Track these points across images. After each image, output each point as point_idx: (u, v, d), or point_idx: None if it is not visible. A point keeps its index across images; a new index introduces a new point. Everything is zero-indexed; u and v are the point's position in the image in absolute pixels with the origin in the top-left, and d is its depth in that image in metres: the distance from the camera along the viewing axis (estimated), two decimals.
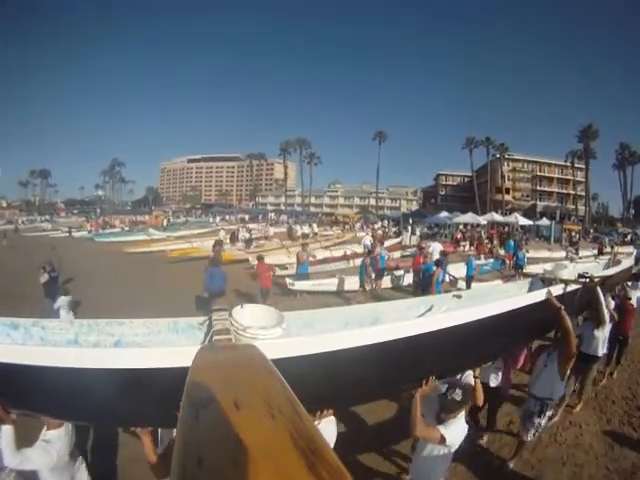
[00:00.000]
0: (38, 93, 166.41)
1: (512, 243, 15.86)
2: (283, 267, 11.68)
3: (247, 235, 20.19)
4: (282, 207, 60.51)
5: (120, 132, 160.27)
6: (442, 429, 2.23)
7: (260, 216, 48.39)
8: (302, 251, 10.79)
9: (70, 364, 1.38)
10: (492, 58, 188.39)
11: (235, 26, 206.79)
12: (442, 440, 2.21)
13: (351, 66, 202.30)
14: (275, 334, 1.73)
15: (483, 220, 29.45)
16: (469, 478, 3.28)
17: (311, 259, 11.67)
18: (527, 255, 13.43)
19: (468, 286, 9.43)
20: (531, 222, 30.57)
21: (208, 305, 6.97)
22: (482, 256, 14.77)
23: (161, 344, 2.04)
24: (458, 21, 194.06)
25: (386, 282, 10.77)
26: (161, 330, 2.12)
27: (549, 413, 3.40)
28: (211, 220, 42.08)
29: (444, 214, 32.33)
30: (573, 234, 28.18)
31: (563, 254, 16.83)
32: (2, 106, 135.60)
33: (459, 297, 3.18)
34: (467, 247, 19.69)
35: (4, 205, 61.84)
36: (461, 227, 29.02)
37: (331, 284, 10.08)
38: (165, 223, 34.15)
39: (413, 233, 24.58)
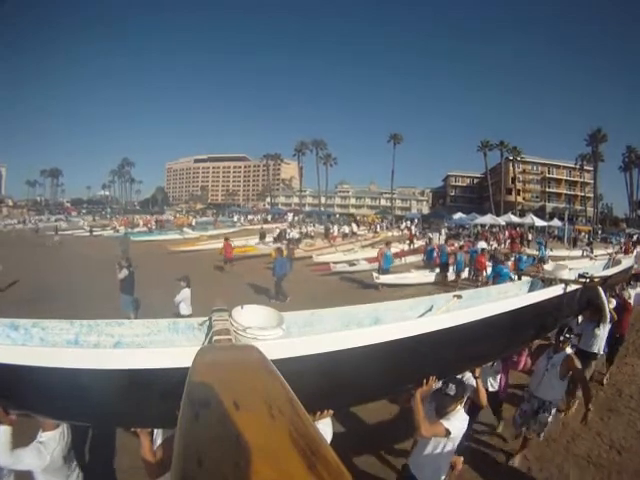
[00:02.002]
0: (40, 94, 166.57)
1: (543, 242, 18.36)
2: (352, 263, 13.14)
3: (296, 235, 21.46)
4: (293, 207, 61.01)
5: (125, 132, 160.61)
6: (445, 423, 2.26)
7: (288, 215, 48.94)
8: (385, 247, 12.16)
9: (70, 365, 1.38)
10: (498, 59, 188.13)
11: (238, 26, 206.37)
12: (447, 433, 2.24)
13: (354, 65, 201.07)
14: (275, 334, 1.73)
15: (502, 221, 30.52)
16: (471, 478, 3.29)
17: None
18: (548, 253, 16.19)
19: (519, 278, 10.13)
20: (546, 223, 31.72)
21: (278, 287, 9.53)
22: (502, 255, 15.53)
23: (161, 345, 2.04)
24: (465, 24, 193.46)
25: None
26: (161, 330, 2.12)
27: (554, 411, 3.45)
28: (235, 219, 42.92)
29: (459, 215, 33.72)
30: (582, 234, 30.93)
31: (579, 253, 18.62)
32: (4, 107, 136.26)
33: (459, 297, 3.18)
34: (494, 246, 20.49)
35: (10, 204, 61.79)
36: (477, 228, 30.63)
37: (409, 278, 11.75)
38: (194, 222, 35.28)
39: (440, 233, 25.91)
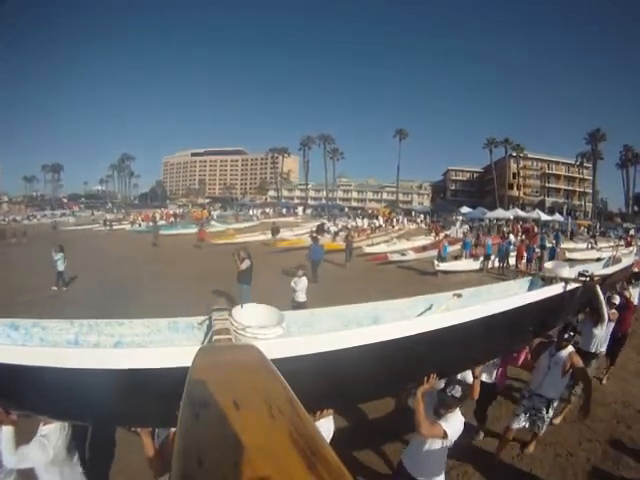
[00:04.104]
0: (40, 94, 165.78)
1: (560, 235, 20.22)
2: (402, 253, 14.79)
3: (335, 228, 22.64)
4: (296, 200, 62.01)
5: (123, 128, 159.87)
6: (444, 424, 2.26)
7: (298, 208, 50.37)
8: (444, 240, 14.35)
9: (70, 364, 1.38)
10: (498, 59, 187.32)
11: (238, 26, 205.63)
12: (445, 435, 2.24)
13: (354, 65, 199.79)
14: (275, 334, 1.73)
15: (511, 215, 31.31)
16: (470, 475, 3.30)
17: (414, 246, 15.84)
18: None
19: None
20: (550, 217, 32.57)
21: (314, 271, 10.25)
22: (535, 246, 15.99)
23: (161, 344, 2.04)
24: (465, 23, 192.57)
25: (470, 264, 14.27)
26: (161, 330, 2.12)
27: (555, 407, 3.49)
28: (251, 213, 44.02)
29: (465, 209, 35.40)
30: (582, 228, 33.26)
31: (584, 245, 20.22)
32: (4, 107, 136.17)
33: (459, 296, 3.18)
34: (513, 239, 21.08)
35: (6, 200, 61.46)
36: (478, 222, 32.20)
37: (459, 265, 13.49)
38: (215, 216, 36.53)
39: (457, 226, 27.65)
